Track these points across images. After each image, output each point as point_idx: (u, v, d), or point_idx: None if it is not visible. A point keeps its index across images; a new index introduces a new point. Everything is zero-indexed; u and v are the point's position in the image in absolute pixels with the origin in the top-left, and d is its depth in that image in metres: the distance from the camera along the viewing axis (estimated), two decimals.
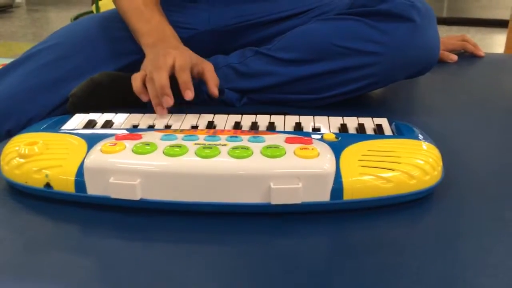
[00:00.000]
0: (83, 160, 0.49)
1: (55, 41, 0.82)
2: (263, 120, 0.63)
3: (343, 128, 0.60)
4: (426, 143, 0.54)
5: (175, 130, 0.56)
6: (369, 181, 0.48)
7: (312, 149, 0.49)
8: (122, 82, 0.73)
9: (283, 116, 0.64)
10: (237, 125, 0.62)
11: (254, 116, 0.64)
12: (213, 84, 0.68)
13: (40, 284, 0.40)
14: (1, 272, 0.42)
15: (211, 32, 0.83)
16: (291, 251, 0.44)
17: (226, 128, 0.61)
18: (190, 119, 0.64)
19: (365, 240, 0.46)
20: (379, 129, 0.60)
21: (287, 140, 0.51)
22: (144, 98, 0.66)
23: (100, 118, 0.64)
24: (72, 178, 0.49)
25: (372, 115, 0.63)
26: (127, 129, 0.60)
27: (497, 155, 0.64)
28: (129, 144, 0.50)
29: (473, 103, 0.82)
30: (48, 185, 0.50)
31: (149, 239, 0.46)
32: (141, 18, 0.76)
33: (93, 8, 2.88)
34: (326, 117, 0.63)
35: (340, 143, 0.52)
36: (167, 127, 0.62)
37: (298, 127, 0.61)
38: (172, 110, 0.65)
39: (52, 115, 0.76)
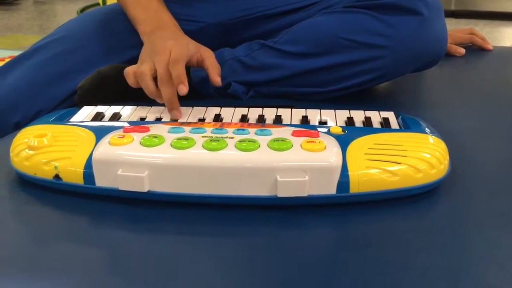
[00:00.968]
0: (92, 152, 0.50)
1: (63, 34, 0.83)
2: (270, 113, 0.63)
3: (350, 121, 0.60)
4: (433, 136, 0.54)
5: (183, 123, 0.56)
6: (375, 174, 0.48)
7: (319, 142, 0.49)
8: None
9: (289, 109, 0.64)
10: (244, 118, 0.62)
11: (261, 109, 0.64)
12: (214, 72, 0.67)
13: (49, 275, 0.41)
14: (11, 263, 0.42)
15: (217, 25, 0.83)
16: (297, 244, 0.45)
17: (233, 121, 0.62)
18: (197, 112, 0.64)
19: (371, 233, 0.46)
20: (385, 123, 0.60)
21: (294, 133, 0.51)
22: (131, 84, 0.65)
23: (108, 110, 0.65)
24: (80, 170, 0.49)
25: (379, 108, 0.63)
26: (135, 122, 0.60)
27: (504, 149, 0.63)
28: (137, 136, 0.50)
29: (480, 97, 0.82)
30: (57, 176, 0.50)
31: (156, 231, 0.47)
32: (138, 5, 0.75)
33: (100, 0, 2.88)
34: (333, 111, 0.63)
35: (346, 136, 0.52)
36: (174, 120, 0.62)
37: (304, 120, 0.61)
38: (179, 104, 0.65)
39: (60, 107, 0.77)
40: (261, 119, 0.62)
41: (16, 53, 0.87)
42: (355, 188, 0.48)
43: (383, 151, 0.50)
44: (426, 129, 0.56)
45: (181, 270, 0.41)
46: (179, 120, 0.62)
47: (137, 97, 0.69)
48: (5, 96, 0.79)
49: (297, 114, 0.63)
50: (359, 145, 0.51)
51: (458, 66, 0.97)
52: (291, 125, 0.58)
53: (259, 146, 0.48)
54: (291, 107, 0.65)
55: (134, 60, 0.80)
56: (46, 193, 0.52)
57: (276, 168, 0.47)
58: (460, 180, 0.54)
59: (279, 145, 0.48)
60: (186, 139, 0.49)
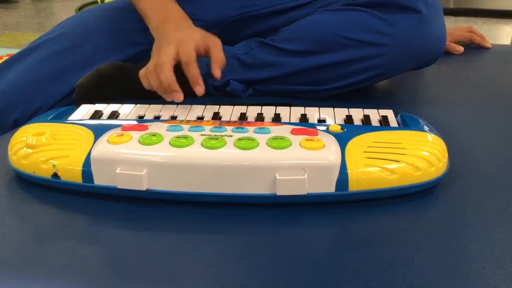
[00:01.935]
0: (90, 151, 0.49)
1: (61, 31, 0.82)
2: (268, 112, 0.63)
3: (349, 119, 0.60)
4: (432, 134, 0.54)
5: (181, 121, 0.56)
6: (374, 172, 0.48)
7: (318, 140, 0.49)
8: (128, 72, 0.73)
9: (288, 107, 0.64)
10: (243, 116, 0.62)
11: (259, 107, 0.64)
12: (216, 66, 0.66)
13: (47, 273, 0.41)
14: (9, 262, 0.42)
15: (215, 23, 0.83)
16: (296, 242, 0.45)
17: (231, 119, 0.61)
18: (196, 110, 0.64)
19: (370, 231, 0.46)
20: (384, 121, 0.59)
21: (293, 132, 0.51)
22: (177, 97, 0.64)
23: (106, 108, 0.65)
24: (79, 168, 0.49)
25: (378, 106, 0.63)
26: (133, 120, 0.60)
27: (503, 147, 0.63)
28: (135, 134, 0.50)
29: (479, 94, 0.82)
30: (55, 175, 0.50)
31: (155, 229, 0.47)
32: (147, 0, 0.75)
33: None
34: (332, 109, 0.63)
35: (345, 134, 0.52)
36: (173, 118, 0.62)
37: (303, 118, 0.61)
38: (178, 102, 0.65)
39: (58, 105, 0.77)
40: (260, 117, 0.62)
41: (14, 51, 0.87)
42: (354, 186, 0.48)
43: (382, 149, 0.50)
44: (425, 127, 0.56)
45: (180, 269, 0.41)
46: (178, 119, 0.62)
47: (136, 95, 0.69)
48: (3, 94, 0.78)
49: (296, 112, 0.63)
50: (358, 143, 0.51)
51: (457, 64, 0.97)
52: (290, 123, 0.58)
53: (258, 144, 0.48)
54: (290, 105, 0.65)
55: (132, 58, 0.81)
56: (45, 192, 0.52)
57: (275, 167, 0.46)
58: (459, 178, 0.54)
59: (278, 143, 0.48)
60: (184, 137, 0.49)
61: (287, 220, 0.48)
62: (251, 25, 0.82)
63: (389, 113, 0.61)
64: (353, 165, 0.48)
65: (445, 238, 0.45)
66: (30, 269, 0.42)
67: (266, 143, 0.48)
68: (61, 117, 0.61)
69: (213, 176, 0.47)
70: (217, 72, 0.66)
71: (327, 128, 0.53)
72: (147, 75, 0.65)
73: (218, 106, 0.65)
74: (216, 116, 0.63)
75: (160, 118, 0.62)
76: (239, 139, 0.49)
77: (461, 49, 1.02)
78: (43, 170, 0.51)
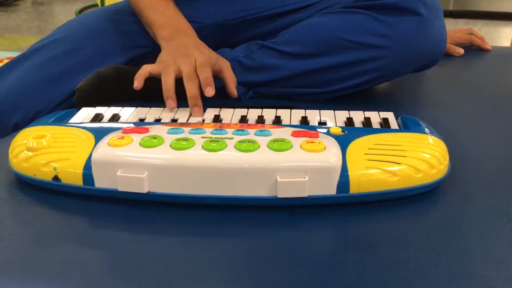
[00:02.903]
0: (91, 154, 0.49)
1: (62, 34, 0.82)
2: (269, 114, 0.63)
3: (349, 122, 0.60)
4: (433, 137, 0.54)
5: (182, 124, 0.56)
6: (375, 174, 0.48)
7: (319, 142, 0.49)
8: (129, 75, 0.72)
9: (289, 110, 0.64)
10: (244, 119, 0.62)
11: (260, 110, 0.64)
12: (232, 84, 0.70)
13: (48, 276, 0.41)
14: (10, 265, 0.42)
15: (216, 26, 0.83)
16: (297, 244, 0.45)
17: (232, 122, 0.61)
18: None
19: (371, 233, 0.46)
20: (385, 123, 0.60)
21: (294, 134, 0.51)
22: (137, 85, 0.65)
23: (107, 111, 0.65)
24: (80, 171, 0.49)
25: (378, 109, 0.63)
26: (134, 123, 0.60)
27: (504, 149, 0.63)
28: (136, 137, 0.50)
29: (479, 96, 0.82)
30: (56, 178, 0.50)
31: (156, 232, 0.47)
32: (155, 9, 0.76)
33: (98, 1, 2.88)
34: (332, 111, 0.63)
35: (346, 136, 0.52)
36: (174, 120, 0.62)
37: (304, 121, 0.61)
38: (178, 104, 0.65)
39: (59, 108, 0.77)
40: (260, 120, 0.62)
41: (14, 54, 0.87)
42: (355, 188, 0.48)
43: (383, 152, 0.50)
44: (426, 129, 0.56)
45: (181, 272, 0.41)
46: (178, 121, 0.62)
47: (137, 98, 0.69)
48: (4, 97, 0.78)
49: (297, 114, 0.63)
50: (359, 146, 0.51)
51: (457, 66, 0.97)
52: (290, 125, 0.58)
53: (259, 147, 0.48)
54: (291, 107, 0.65)
55: (133, 61, 0.81)
56: (45, 195, 0.52)
57: (276, 169, 0.46)
58: (460, 180, 0.54)
59: (279, 145, 0.48)
60: (185, 139, 0.49)
61: (287, 222, 0.48)
62: (251, 28, 0.82)
63: (390, 116, 0.61)
64: (354, 167, 0.48)
65: (446, 241, 0.45)
66: (31, 271, 0.41)
67: (267, 146, 0.48)
68: (62, 120, 0.61)
69: (214, 179, 0.47)
70: (234, 91, 0.70)
71: (328, 131, 0.53)
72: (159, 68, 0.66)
73: (219, 109, 0.65)
74: (217, 119, 0.63)
75: (161, 121, 0.62)
76: (240, 142, 0.49)
77: (461, 51, 1.02)
78: (44, 173, 0.51)
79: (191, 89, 0.64)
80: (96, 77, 0.73)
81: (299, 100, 0.75)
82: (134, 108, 0.65)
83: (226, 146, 0.48)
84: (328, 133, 0.53)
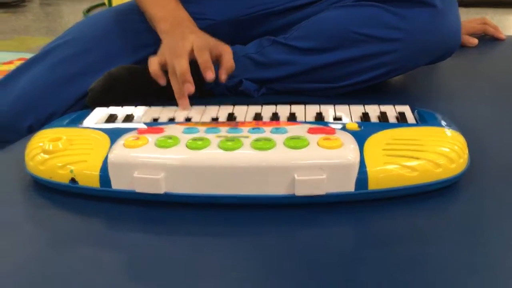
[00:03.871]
0: (107, 155, 0.49)
1: (72, 36, 0.83)
2: (283, 111, 0.63)
3: (365, 117, 0.60)
4: (451, 130, 0.53)
5: (197, 123, 0.56)
6: (394, 170, 0.47)
7: (336, 139, 0.48)
8: (140, 75, 0.73)
9: (303, 106, 0.63)
10: (258, 116, 0.62)
11: (274, 106, 0.64)
12: (224, 70, 0.67)
13: (65, 279, 0.41)
14: (27, 267, 0.42)
15: (227, 22, 0.82)
16: (315, 242, 0.44)
17: (246, 120, 0.61)
18: (210, 111, 0.64)
19: (391, 230, 0.46)
20: (401, 117, 0.59)
21: (310, 131, 0.50)
22: (161, 82, 0.66)
23: (121, 112, 0.64)
24: (96, 173, 0.49)
25: (393, 102, 0.62)
26: (148, 123, 0.60)
27: None
28: (151, 138, 0.50)
29: (496, 87, 0.81)
30: (73, 180, 0.50)
31: (173, 233, 0.47)
32: (157, 3, 0.76)
33: (106, 0, 2.89)
34: (347, 106, 0.62)
35: (363, 132, 0.51)
36: (188, 119, 0.62)
37: (319, 117, 0.60)
38: (192, 103, 0.65)
39: (72, 109, 0.77)
40: (275, 117, 0.61)
41: (24, 55, 0.87)
42: (373, 184, 0.47)
43: (401, 146, 0.49)
44: (443, 122, 0.55)
45: (200, 272, 0.41)
46: (192, 120, 0.62)
47: (149, 97, 0.69)
48: (17, 100, 0.79)
49: (311, 110, 0.62)
50: (376, 141, 0.50)
51: (471, 57, 0.96)
52: (306, 122, 0.57)
53: (275, 145, 0.48)
54: (304, 103, 0.64)
55: (144, 60, 0.80)
56: (62, 197, 0.52)
57: (294, 167, 0.46)
58: (479, 174, 0.53)
59: (296, 143, 0.48)
60: (201, 139, 0.49)
61: (306, 220, 0.47)
62: (263, 23, 0.82)
63: (406, 109, 0.61)
64: (372, 163, 0.47)
65: (466, 235, 0.44)
66: (48, 274, 0.41)
67: (284, 143, 0.48)
68: (76, 122, 0.61)
69: (231, 178, 0.47)
70: (223, 76, 0.67)
71: (344, 126, 0.53)
72: (156, 61, 0.66)
73: (232, 106, 0.65)
74: (230, 117, 0.62)
75: (175, 120, 0.62)
76: (256, 140, 0.48)
77: (475, 41, 1.01)
78: (61, 176, 0.51)
79: (199, 57, 0.64)
80: (107, 77, 0.73)
81: (312, 95, 0.75)
82: (147, 107, 0.65)
83: (242, 144, 0.48)
84: (344, 129, 0.52)
